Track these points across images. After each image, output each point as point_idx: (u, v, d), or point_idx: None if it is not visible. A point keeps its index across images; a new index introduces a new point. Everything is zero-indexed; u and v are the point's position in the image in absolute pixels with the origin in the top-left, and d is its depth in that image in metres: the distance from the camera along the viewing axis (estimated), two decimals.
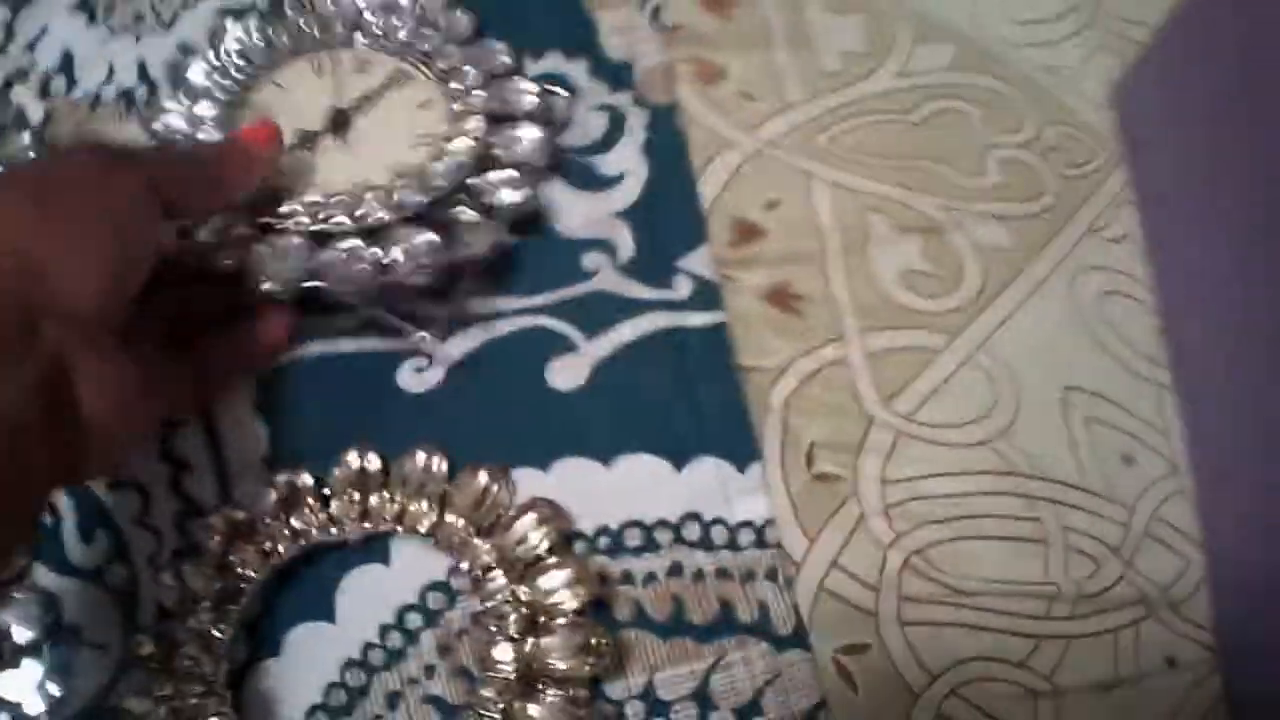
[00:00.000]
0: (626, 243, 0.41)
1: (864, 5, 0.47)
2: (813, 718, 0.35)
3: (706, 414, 0.39)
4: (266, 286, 0.36)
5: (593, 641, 0.34)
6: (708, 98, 0.44)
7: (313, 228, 0.37)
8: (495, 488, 0.37)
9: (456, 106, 0.41)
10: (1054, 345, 0.42)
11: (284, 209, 0.38)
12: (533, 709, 0.33)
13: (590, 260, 0.41)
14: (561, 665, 0.33)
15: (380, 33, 0.43)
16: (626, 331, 0.40)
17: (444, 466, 0.37)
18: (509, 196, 0.39)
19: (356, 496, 0.36)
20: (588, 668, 0.34)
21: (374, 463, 0.37)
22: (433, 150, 0.39)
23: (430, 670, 0.35)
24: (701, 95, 0.44)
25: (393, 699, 0.35)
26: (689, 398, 0.39)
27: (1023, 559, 0.39)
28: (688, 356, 0.40)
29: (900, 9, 0.47)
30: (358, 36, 0.43)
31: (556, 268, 0.41)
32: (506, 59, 0.43)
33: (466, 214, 0.39)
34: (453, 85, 0.41)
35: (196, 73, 0.42)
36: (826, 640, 0.37)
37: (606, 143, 0.43)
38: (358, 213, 0.38)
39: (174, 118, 0.41)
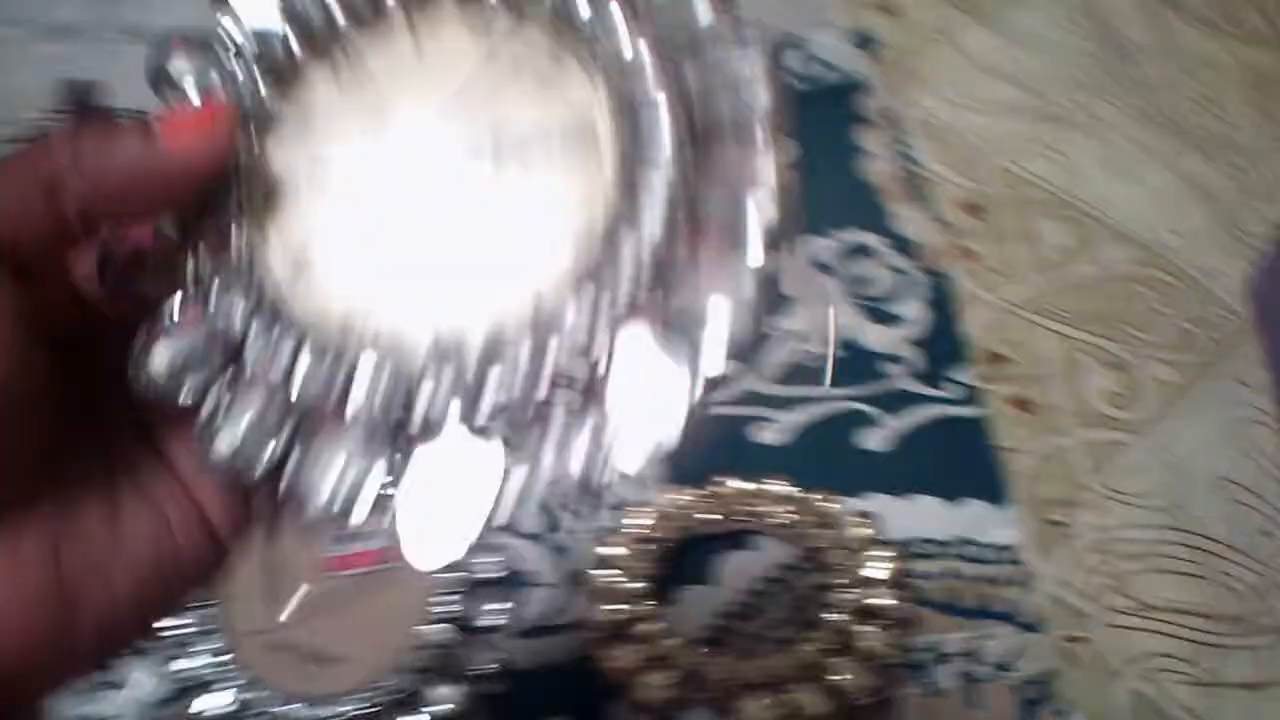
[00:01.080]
0: (913, 359, 0.61)
1: (1071, 215, 0.68)
2: (1045, 680, 0.52)
3: (971, 472, 0.58)
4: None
5: (899, 592, 0.52)
6: (967, 271, 0.65)
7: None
8: (826, 503, 0.56)
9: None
10: (1208, 448, 0.60)
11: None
12: (864, 631, 0.51)
13: (889, 367, 0.61)
14: (881, 605, 0.51)
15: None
16: (915, 416, 0.59)
17: (793, 490, 0.56)
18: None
19: (734, 502, 0.56)
20: (897, 613, 0.51)
21: (747, 485, 0.56)
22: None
23: (780, 620, 0.53)
24: (962, 269, 0.65)
25: (750, 641, 0.53)
26: (960, 461, 0.58)
27: (1189, 589, 0.56)
28: (959, 435, 0.59)
29: (1096, 219, 0.68)
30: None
31: (864, 371, 0.61)
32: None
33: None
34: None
35: None
36: (1055, 629, 0.54)
37: (897, 292, 0.64)
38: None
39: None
